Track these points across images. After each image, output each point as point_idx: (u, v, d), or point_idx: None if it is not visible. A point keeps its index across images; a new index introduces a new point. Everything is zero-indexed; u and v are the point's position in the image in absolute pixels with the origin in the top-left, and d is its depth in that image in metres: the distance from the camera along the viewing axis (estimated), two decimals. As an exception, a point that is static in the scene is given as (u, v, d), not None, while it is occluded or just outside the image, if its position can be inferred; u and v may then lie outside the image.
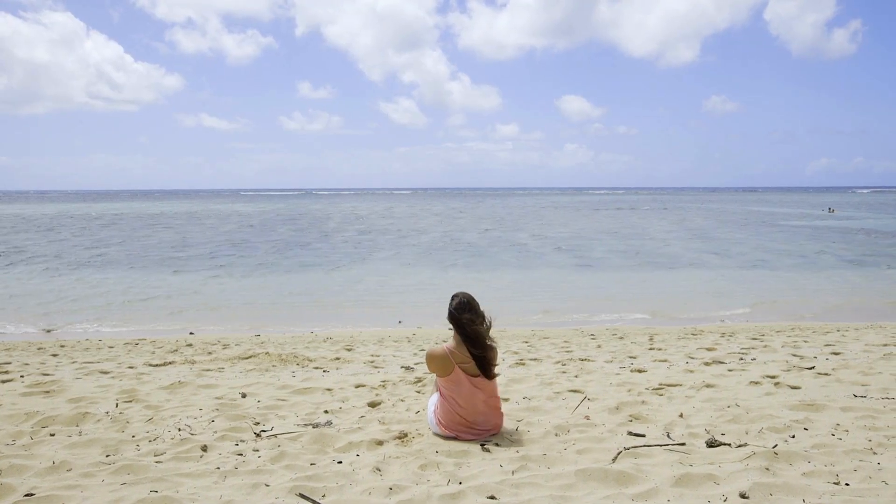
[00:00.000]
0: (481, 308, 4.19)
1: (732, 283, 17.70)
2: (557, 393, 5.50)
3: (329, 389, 5.79)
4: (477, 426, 4.09)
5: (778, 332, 10.64)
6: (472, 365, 4.08)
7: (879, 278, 18.28)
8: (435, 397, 4.27)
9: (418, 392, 5.63)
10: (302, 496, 2.97)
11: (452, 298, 4.19)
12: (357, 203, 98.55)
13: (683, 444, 3.81)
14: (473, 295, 4.22)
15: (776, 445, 3.66)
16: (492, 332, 4.22)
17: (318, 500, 2.94)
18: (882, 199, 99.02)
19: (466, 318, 4.04)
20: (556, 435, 4.12)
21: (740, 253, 24.84)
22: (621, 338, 10.22)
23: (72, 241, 30.98)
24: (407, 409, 4.98)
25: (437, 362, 4.10)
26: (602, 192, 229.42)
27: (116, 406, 5.06)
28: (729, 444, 3.77)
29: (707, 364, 7.17)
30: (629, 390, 5.61)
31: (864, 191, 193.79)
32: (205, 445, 3.90)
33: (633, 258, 23.47)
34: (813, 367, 6.59)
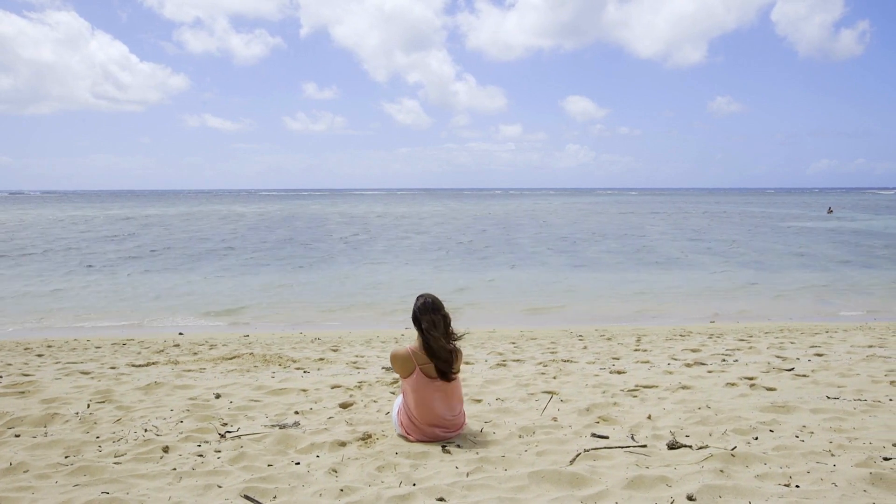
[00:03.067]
0: (446, 310, 4.18)
1: (726, 283, 17.69)
2: (531, 394, 5.49)
3: (304, 390, 5.78)
4: (437, 427, 4.08)
5: (766, 333, 10.62)
6: (432, 366, 4.07)
7: (873, 279, 18.26)
8: (400, 398, 4.28)
9: (392, 393, 5.62)
10: (247, 497, 2.97)
11: (417, 299, 4.19)
12: (357, 204, 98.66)
13: (644, 445, 3.80)
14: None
15: (735, 447, 3.65)
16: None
17: (261, 502, 2.93)
18: (886, 201, 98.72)
19: (427, 320, 4.03)
20: (520, 437, 4.12)
21: (736, 253, 24.84)
22: (609, 339, 10.20)
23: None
24: (378, 411, 4.97)
25: (399, 363, 4.10)
26: (603, 192, 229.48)
27: (88, 407, 5.06)
28: (690, 447, 3.76)
29: (689, 365, 7.15)
30: (604, 392, 5.60)
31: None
32: (166, 446, 3.90)
33: (629, 258, 23.47)
34: (792, 369, 6.57)
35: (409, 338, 10.75)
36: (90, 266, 21.58)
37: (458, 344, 4.18)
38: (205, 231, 38.38)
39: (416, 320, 4.12)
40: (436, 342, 4.03)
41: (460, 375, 4.33)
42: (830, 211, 59.94)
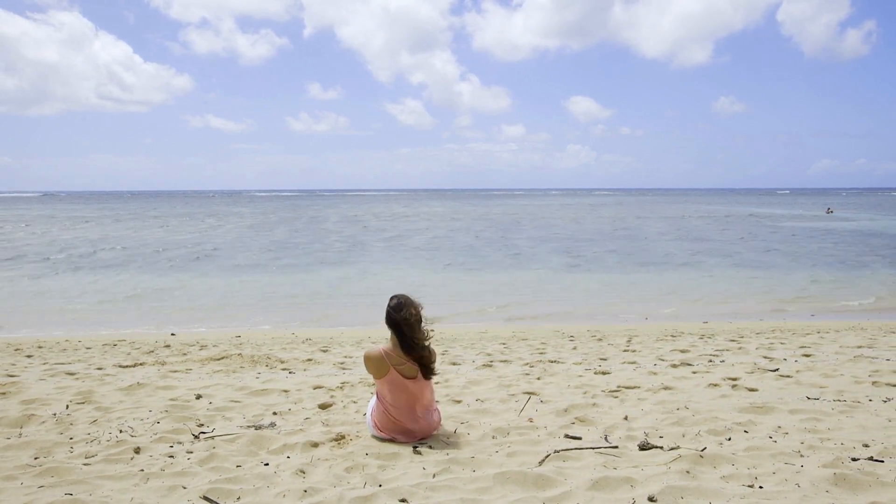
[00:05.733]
0: (422, 310, 4.18)
1: (722, 283, 17.68)
2: (512, 395, 5.48)
3: (286, 391, 5.78)
4: (411, 428, 4.09)
5: (758, 333, 10.60)
6: (407, 366, 4.08)
7: (870, 278, 18.23)
8: (374, 399, 4.28)
9: (373, 394, 5.62)
10: (206, 499, 2.97)
11: (390, 300, 4.19)
12: (358, 204, 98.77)
13: (616, 447, 3.79)
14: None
15: (704, 448, 3.64)
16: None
17: (218, 502, 2.93)
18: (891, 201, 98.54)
19: (403, 317, 4.04)
20: (494, 437, 4.11)
21: (734, 252, 24.83)
22: (600, 339, 10.17)
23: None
24: (357, 412, 4.97)
25: (372, 364, 4.10)
26: (603, 193, 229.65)
27: (67, 408, 5.06)
28: (661, 447, 3.75)
29: (674, 366, 7.14)
30: (585, 392, 5.59)
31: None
32: (138, 447, 3.89)
33: (626, 259, 23.45)
34: (777, 370, 6.57)
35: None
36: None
37: (431, 343, 4.19)
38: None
39: (391, 320, 4.12)
40: (414, 338, 4.04)
41: (435, 377, 4.34)
42: (830, 211, 59.85)
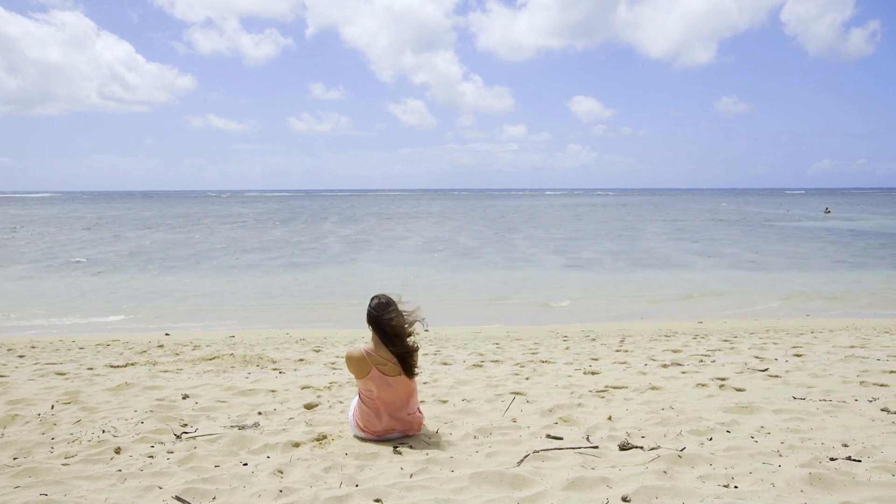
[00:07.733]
0: (403, 308, 4.18)
1: (720, 283, 17.66)
2: (499, 395, 5.48)
3: (273, 391, 5.78)
4: (393, 428, 4.09)
5: (751, 333, 10.59)
6: (389, 366, 4.07)
7: (868, 277, 18.21)
8: (356, 399, 4.28)
9: (357, 394, 5.62)
10: (178, 499, 2.96)
11: (372, 299, 4.19)
12: (359, 204, 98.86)
13: (596, 447, 3.79)
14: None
15: (684, 448, 3.64)
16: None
17: (190, 503, 2.93)
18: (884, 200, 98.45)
19: (386, 316, 4.04)
20: (475, 437, 4.11)
21: (730, 253, 24.81)
22: (593, 339, 10.17)
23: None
24: (342, 412, 4.96)
25: (354, 363, 4.10)
26: (604, 193, 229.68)
27: (52, 408, 5.06)
28: (641, 448, 3.75)
29: (665, 366, 7.13)
30: (572, 392, 5.59)
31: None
32: (118, 448, 3.89)
33: (624, 259, 23.43)
34: (766, 370, 6.56)
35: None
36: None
37: (415, 342, 4.18)
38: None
39: (373, 319, 4.11)
40: (401, 334, 4.03)
41: (422, 377, 4.33)
42: (828, 211, 59.84)
